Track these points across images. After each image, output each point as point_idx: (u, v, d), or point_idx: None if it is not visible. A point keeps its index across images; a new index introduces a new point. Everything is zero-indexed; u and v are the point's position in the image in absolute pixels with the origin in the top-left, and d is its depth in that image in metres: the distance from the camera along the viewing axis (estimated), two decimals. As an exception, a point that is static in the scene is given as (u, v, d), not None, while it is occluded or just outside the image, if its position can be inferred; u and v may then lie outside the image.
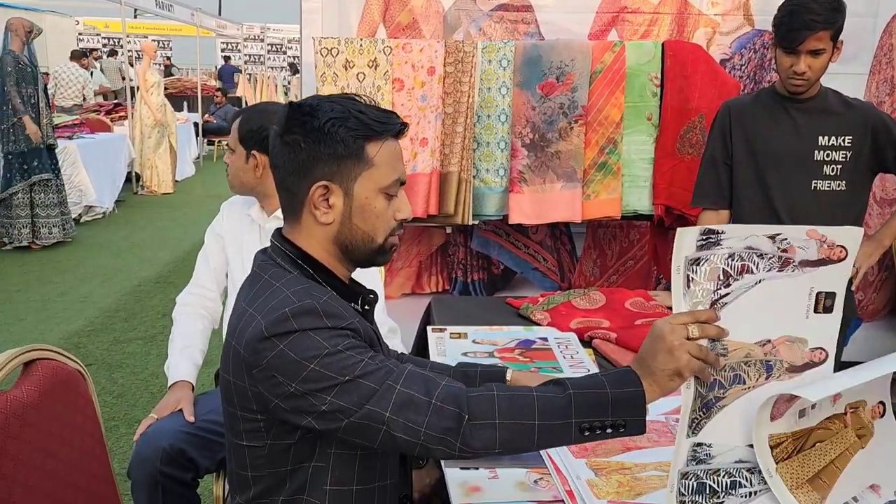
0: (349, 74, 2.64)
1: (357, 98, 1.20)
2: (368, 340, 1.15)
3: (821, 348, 1.19)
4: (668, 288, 2.99)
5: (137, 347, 3.97)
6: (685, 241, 1.11)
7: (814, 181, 2.09)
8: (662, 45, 2.66)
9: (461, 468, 1.30)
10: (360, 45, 2.65)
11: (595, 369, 1.73)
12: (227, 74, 16.51)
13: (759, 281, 1.12)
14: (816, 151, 2.08)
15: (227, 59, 17.73)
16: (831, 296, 1.20)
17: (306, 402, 1.06)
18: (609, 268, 3.21)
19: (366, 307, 1.25)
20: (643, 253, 3.07)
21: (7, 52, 5.54)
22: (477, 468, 1.31)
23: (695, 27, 2.90)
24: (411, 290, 3.18)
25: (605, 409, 1.04)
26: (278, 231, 1.25)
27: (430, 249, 3.16)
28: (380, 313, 1.90)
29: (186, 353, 1.85)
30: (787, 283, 1.14)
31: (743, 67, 2.96)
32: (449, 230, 2.91)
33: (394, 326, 1.97)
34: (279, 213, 1.61)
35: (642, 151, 2.70)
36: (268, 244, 1.25)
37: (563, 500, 1.23)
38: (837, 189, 2.08)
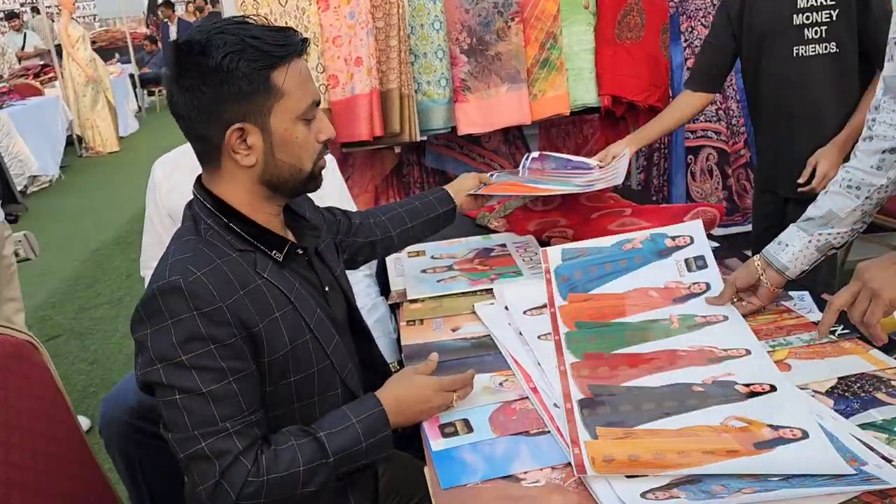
0: (271, -1, 2.51)
1: (248, 21, 1.11)
2: (260, 308, 1.08)
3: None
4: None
5: (105, 312, 3.92)
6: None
7: (795, 48, 1.96)
8: (590, -74, 2.55)
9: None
10: (279, -33, 2.51)
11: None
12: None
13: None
14: (795, 16, 1.94)
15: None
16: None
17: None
18: (566, 166, 3.19)
19: (298, 251, 1.20)
20: (599, 147, 3.05)
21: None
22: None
23: None
24: (371, 216, 3.14)
25: (361, 458, 1.11)
26: (198, 179, 1.18)
27: (385, 172, 3.10)
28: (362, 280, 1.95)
29: None
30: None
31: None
32: (398, 149, 2.85)
33: (377, 303, 1.96)
34: None
35: (583, 42, 2.63)
36: None
37: (527, 397, 1.24)
38: (824, 53, 1.94)
